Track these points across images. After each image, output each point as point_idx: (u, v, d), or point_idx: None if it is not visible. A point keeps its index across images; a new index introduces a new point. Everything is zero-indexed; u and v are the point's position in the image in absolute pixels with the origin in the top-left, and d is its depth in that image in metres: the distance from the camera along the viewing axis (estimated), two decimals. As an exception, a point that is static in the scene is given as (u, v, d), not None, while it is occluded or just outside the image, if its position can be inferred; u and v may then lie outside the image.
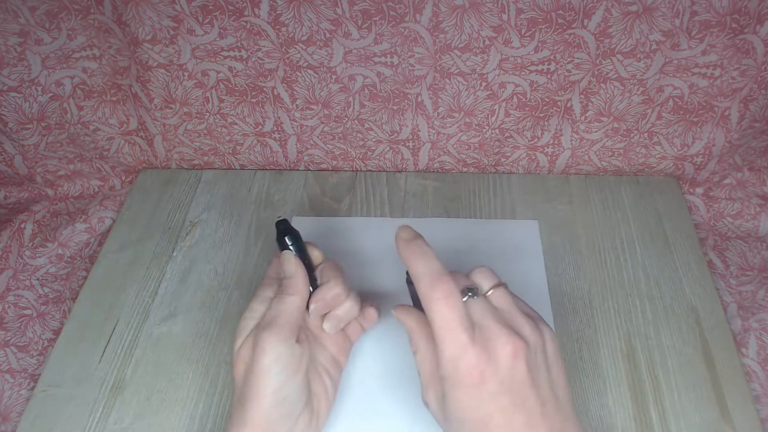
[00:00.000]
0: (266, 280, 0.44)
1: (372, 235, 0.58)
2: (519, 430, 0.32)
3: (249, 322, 0.41)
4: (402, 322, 0.39)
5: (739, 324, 0.51)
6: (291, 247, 0.43)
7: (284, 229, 0.44)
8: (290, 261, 0.42)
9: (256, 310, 0.41)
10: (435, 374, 0.34)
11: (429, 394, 0.36)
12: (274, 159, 0.65)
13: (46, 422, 0.47)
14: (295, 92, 0.57)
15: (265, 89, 0.57)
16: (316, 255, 0.45)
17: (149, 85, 0.57)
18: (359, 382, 0.48)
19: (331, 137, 0.62)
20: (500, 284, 0.36)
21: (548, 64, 0.53)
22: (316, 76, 0.55)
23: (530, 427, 0.32)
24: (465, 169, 0.64)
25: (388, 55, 0.53)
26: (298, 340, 0.40)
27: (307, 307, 0.42)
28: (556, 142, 0.60)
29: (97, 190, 0.66)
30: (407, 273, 0.37)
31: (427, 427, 0.45)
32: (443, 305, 0.33)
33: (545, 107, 0.57)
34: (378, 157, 0.63)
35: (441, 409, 0.35)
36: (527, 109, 0.57)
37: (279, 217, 0.45)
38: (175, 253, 0.58)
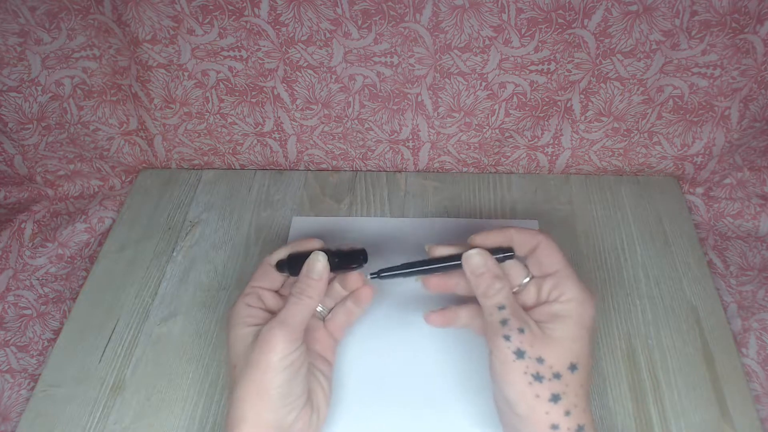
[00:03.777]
0: (261, 281, 0.44)
1: (372, 235, 0.58)
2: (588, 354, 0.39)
3: (253, 319, 0.41)
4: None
5: (739, 324, 0.51)
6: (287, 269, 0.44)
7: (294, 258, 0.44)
8: (321, 263, 0.42)
9: (255, 305, 0.42)
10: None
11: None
12: (274, 159, 0.65)
13: (46, 422, 0.47)
14: (295, 92, 0.57)
15: (265, 89, 0.57)
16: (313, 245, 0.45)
17: (149, 85, 0.57)
18: (360, 380, 0.48)
19: (331, 137, 0.62)
20: None
21: (548, 64, 0.53)
22: (316, 76, 0.55)
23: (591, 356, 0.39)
24: (465, 169, 0.64)
25: (388, 55, 0.53)
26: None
27: None
28: (556, 142, 0.60)
29: (97, 190, 0.66)
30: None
31: (427, 425, 0.45)
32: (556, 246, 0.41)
33: (545, 107, 0.57)
34: (378, 157, 0.63)
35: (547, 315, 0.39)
36: (527, 109, 0.57)
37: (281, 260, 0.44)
38: (175, 253, 0.58)
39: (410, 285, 0.53)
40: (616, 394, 0.47)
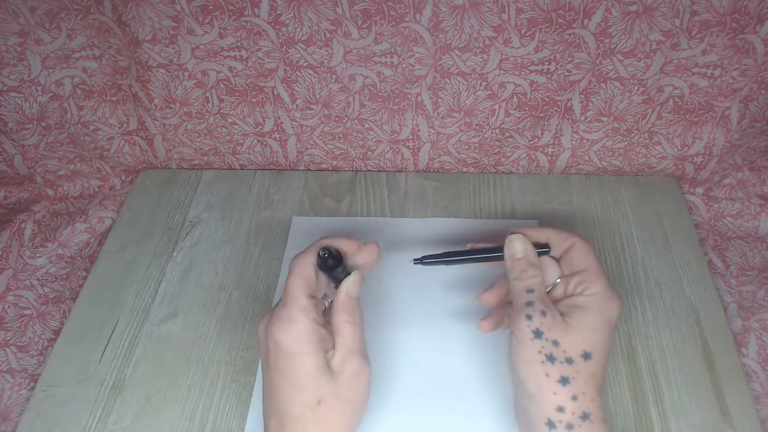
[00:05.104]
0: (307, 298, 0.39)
1: (372, 235, 0.58)
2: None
3: (326, 344, 0.39)
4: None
5: (739, 324, 0.51)
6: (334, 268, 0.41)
7: (334, 256, 0.41)
8: (358, 283, 0.41)
9: (321, 323, 0.39)
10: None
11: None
12: (274, 159, 0.65)
13: (46, 422, 0.47)
14: (295, 92, 0.57)
15: (265, 89, 0.57)
16: (349, 246, 0.43)
17: (149, 85, 0.57)
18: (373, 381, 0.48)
19: (331, 137, 0.62)
20: None
21: (548, 64, 0.53)
22: (316, 76, 0.55)
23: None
24: (465, 169, 0.64)
25: (388, 55, 0.53)
26: None
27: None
28: (556, 142, 0.60)
29: (97, 190, 0.66)
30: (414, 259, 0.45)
31: (425, 423, 0.45)
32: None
33: (545, 107, 0.57)
34: (378, 157, 0.63)
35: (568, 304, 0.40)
36: (527, 109, 0.57)
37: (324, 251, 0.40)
38: (175, 253, 0.58)
39: (421, 285, 0.53)
40: (616, 394, 0.47)
